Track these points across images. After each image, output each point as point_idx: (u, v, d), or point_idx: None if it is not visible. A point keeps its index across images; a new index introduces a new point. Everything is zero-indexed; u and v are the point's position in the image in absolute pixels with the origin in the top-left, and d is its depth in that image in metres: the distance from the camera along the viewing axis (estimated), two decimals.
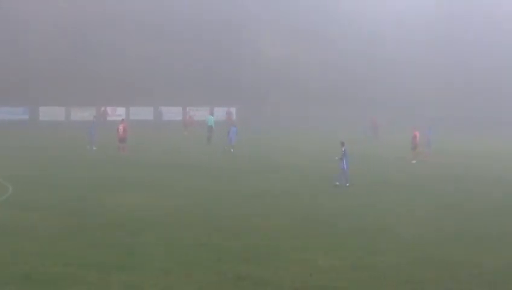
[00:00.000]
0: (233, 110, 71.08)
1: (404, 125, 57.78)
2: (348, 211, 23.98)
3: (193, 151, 43.02)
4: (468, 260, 17.67)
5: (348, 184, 28.90)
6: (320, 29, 75.91)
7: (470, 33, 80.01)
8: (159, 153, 41.67)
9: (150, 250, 17.69)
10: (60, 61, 67.28)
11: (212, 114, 53.73)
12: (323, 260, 17.17)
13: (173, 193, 26.86)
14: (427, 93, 77.08)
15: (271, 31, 75.10)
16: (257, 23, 74.78)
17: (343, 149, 29.31)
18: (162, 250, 17.71)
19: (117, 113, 64.91)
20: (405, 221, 22.49)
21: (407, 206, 25.17)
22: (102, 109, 65.70)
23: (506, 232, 21.22)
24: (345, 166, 29.01)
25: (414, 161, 38.79)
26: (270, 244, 18.71)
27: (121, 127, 40.25)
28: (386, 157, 41.61)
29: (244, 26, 74.80)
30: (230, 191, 27.76)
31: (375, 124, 54.99)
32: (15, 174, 30.64)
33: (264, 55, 74.54)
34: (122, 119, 45.18)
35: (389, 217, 23.11)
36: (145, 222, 21.18)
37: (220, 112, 66.33)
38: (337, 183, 28.99)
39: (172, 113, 68.70)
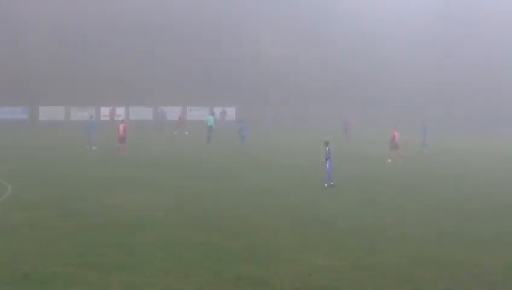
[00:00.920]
0: (232, 109, 71.10)
1: (404, 124, 57.84)
2: (348, 211, 23.97)
3: (193, 150, 42.99)
4: (468, 260, 17.67)
5: (328, 184, 28.84)
6: (320, 29, 75.91)
7: (470, 33, 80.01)
8: (158, 152, 41.63)
9: (150, 250, 17.69)
10: (60, 61, 67.32)
11: (212, 114, 53.54)
12: (323, 260, 17.17)
13: (173, 192, 26.84)
14: (427, 93, 77.10)
15: (271, 31, 75.09)
16: (257, 23, 74.76)
17: (327, 149, 29.34)
18: (161, 250, 17.71)
19: (117, 113, 64.93)
20: (405, 221, 22.48)
21: (407, 206, 25.15)
22: (111, 108, 65.58)
23: (506, 232, 21.21)
24: (328, 166, 28.99)
25: (389, 160, 38.60)
26: (269, 244, 18.71)
27: (121, 127, 40.27)
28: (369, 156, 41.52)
29: (244, 26, 74.79)
30: (229, 190, 27.75)
31: (347, 124, 54.74)
32: (14, 173, 30.64)
33: (264, 55, 74.53)
34: (122, 120, 45.23)
35: (388, 217, 23.10)
36: (144, 221, 21.18)
37: (219, 112, 66.41)
38: (326, 185, 28.94)
39: (175, 112, 68.64)
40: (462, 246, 19.19)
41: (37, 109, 66.10)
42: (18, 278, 15.13)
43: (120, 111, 65.75)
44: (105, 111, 65.65)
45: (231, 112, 70.73)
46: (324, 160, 29.35)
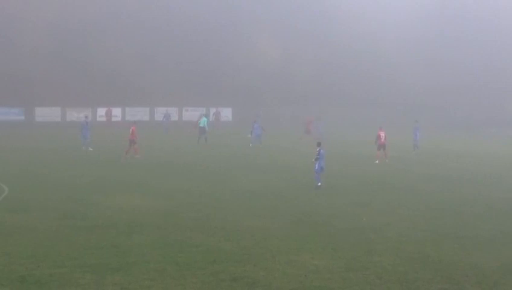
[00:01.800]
0: (228, 110, 71.08)
1: (405, 124, 57.95)
2: (344, 212, 23.98)
3: (189, 152, 42.97)
4: (464, 260, 17.69)
5: (319, 184, 28.91)
6: (319, 29, 75.93)
7: (470, 33, 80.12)
8: (158, 152, 41.59)
9: (145, 251, 17.66)
10: (56, 62, 67.28)
11: (206, 115, 53.35)
12: (319, 261, 17.17)
13: (168, 194, 26.83)
14: (427, 93, 77.17)
15: (268, 31, 75.11)
16: (254, 23, 74.80)
17: (318, 149, 29.42)
18: (156, 251, 17.69)
19: (113, 114, 64.88)
20: (400, 221, 22.49)
21: (403, 207, 25.16)
22: (106, 109, 65.52)
23: (503, 232, 21.23)
24: (317, 166, 29.07)
25: (377, 161, 38.57)
26: (265, 245, 18.70)
27: (131, 130, 39.13)
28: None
29: (241, 26, 74.82)
30: (225, 191, 27.75)
31: (309, 124, 54.23)
32: (11, 175, 30.60)
33: (261, 56, 74.54)
34: (134, 122, 43.85)
35: (384, 217, 23.11)
36: (139, 223, 21.14)
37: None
38: (319, 183, 29.07)
39: (174, 113, 68.71)
40: (458, 246, 19.21)
41: (33, 109, 66.06)
42: (14, 280, 15.10)
43: (116, 112, 65.70)
44: (101, 112, 65.64)
45: (227, 113, 70.74)
46: (313, 160, 29.50)
